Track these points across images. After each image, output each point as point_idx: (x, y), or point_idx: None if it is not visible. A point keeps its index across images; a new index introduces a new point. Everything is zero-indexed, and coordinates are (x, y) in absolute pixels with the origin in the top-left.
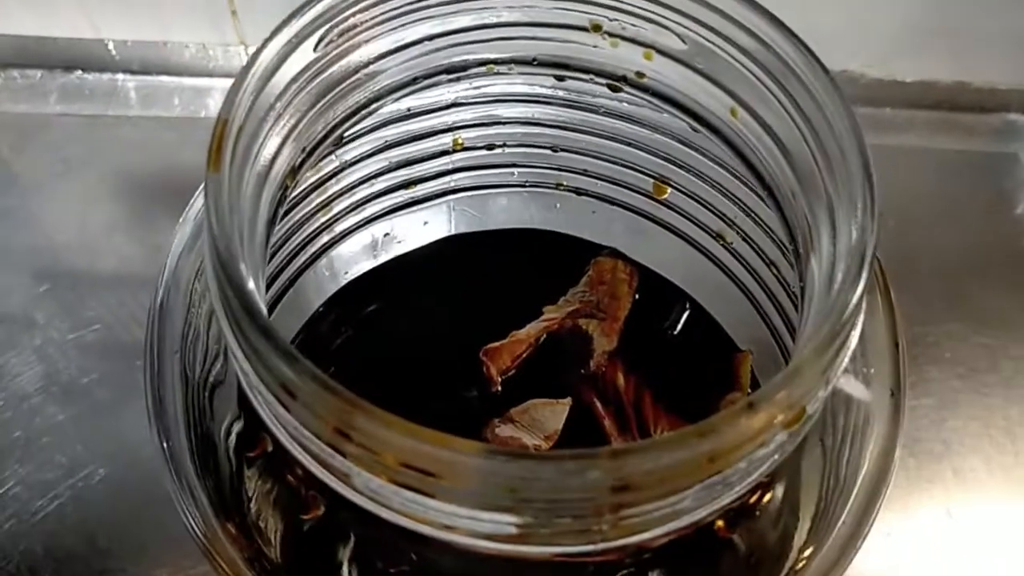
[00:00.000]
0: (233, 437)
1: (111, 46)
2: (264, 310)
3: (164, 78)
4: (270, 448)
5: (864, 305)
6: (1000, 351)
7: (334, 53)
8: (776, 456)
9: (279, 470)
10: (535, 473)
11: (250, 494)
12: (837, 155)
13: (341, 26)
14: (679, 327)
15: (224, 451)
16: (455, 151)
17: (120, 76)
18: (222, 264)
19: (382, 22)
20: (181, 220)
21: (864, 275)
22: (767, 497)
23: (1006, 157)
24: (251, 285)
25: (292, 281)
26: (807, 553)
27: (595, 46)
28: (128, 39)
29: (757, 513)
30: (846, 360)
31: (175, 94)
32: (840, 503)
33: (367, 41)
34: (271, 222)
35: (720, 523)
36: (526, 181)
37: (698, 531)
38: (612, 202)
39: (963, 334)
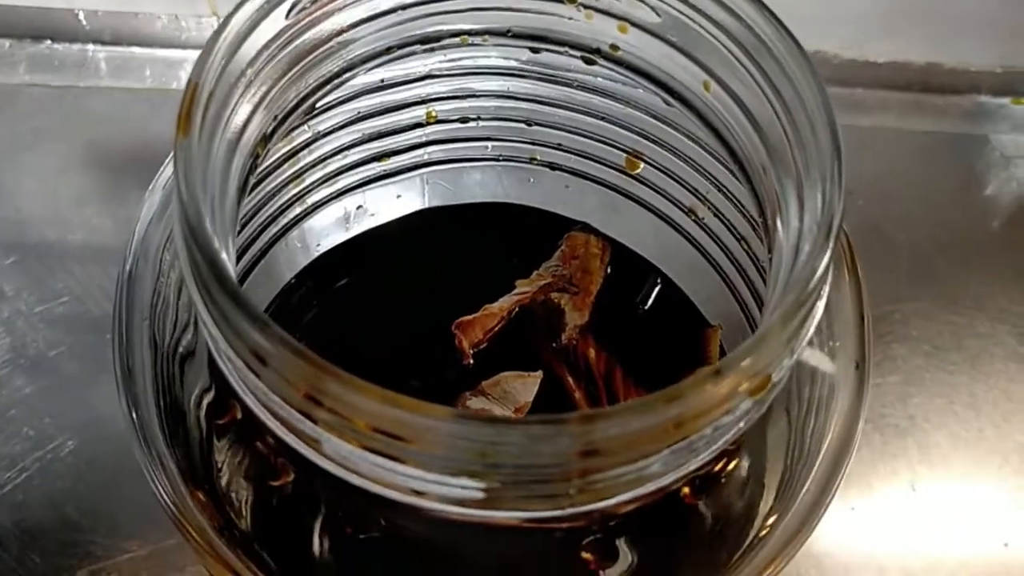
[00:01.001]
0: (203, 406)
1: (81, 16)
2: (233, 276)
3: (135, 49)
4: (239, 415)
5: (830, 275)
6: (967, 329)
7: (306, 20)
8: (741, 424)
9: (249, 438)
10: (504, 437)
11: (220, 463)
12: (807, 128)
13: None
14: (650, 302)
15: (194, 419)
16: (428, 124)
17: (90, 47)
18: (191, 229)
19: None
20: (150, 189)
21: (831, 244)
22: (732, 465)
23: (977, 139)
24: (221, 251)
25: (263, 253)
26: (771, 521)
27: (570, 18)
28: (99, 9)
29: (723, 481)
30: (812, 329)
31: (146, 65)
32: (804, 472)
33: (340, 9)
34: (242, 190)
35: (686, 490)
36: (500, 155)
37: (664, 498)
38: (585, 177)
39: (931, 312)
